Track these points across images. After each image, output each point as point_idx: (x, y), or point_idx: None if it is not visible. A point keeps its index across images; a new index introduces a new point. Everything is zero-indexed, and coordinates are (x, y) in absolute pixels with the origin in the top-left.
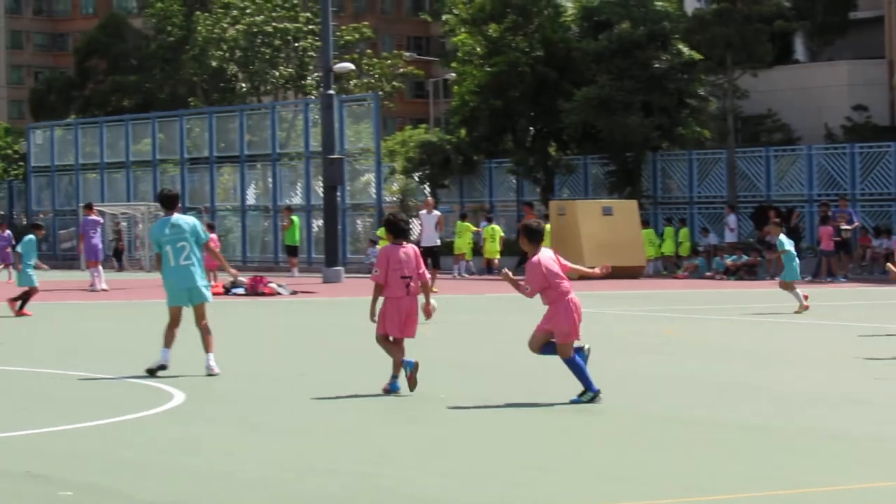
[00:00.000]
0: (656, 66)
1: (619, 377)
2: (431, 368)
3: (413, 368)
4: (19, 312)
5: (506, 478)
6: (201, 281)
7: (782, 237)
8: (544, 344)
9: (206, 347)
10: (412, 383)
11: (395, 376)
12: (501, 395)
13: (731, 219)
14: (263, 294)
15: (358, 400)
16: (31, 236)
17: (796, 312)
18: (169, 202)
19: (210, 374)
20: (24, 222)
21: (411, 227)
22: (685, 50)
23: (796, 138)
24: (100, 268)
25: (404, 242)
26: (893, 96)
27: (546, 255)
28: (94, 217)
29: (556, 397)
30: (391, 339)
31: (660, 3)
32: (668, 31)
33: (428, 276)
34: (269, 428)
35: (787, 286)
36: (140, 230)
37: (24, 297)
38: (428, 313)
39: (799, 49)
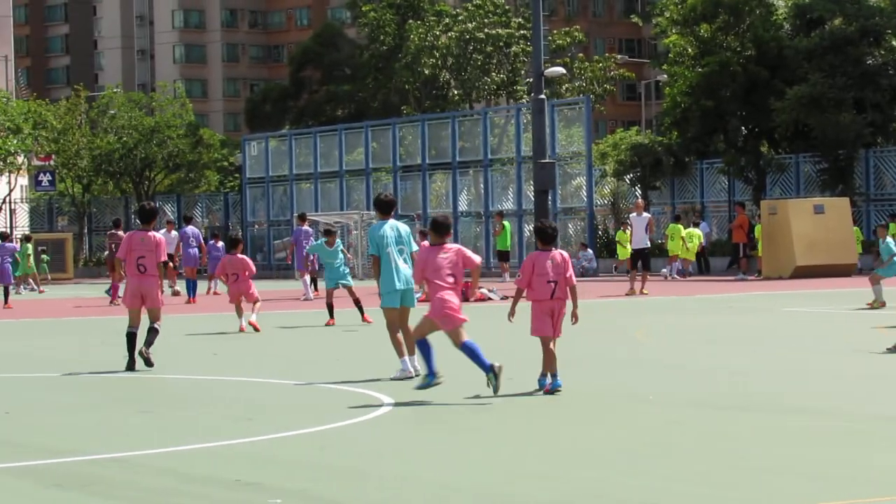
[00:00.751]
0: (869, 62)
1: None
2: (639, 369)
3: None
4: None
5: (720, 478)
6: (414, 285)
7: (889, 241)
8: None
9: (410, 350)
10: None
11: (544, 374)
12: (709, 397)
13: None
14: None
15: (552, 403)
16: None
17: (869, 305)
18: (387, 207)
19: (409, 377)
20: (239, 234)
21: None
22: None
23: None
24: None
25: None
26: None
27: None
28: (306, 227)
29: (771, 398)
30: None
31: None
32: (880, 26)
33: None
34: (476, 432)
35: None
36: (353, 238)
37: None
38: (575, 317)
39: None
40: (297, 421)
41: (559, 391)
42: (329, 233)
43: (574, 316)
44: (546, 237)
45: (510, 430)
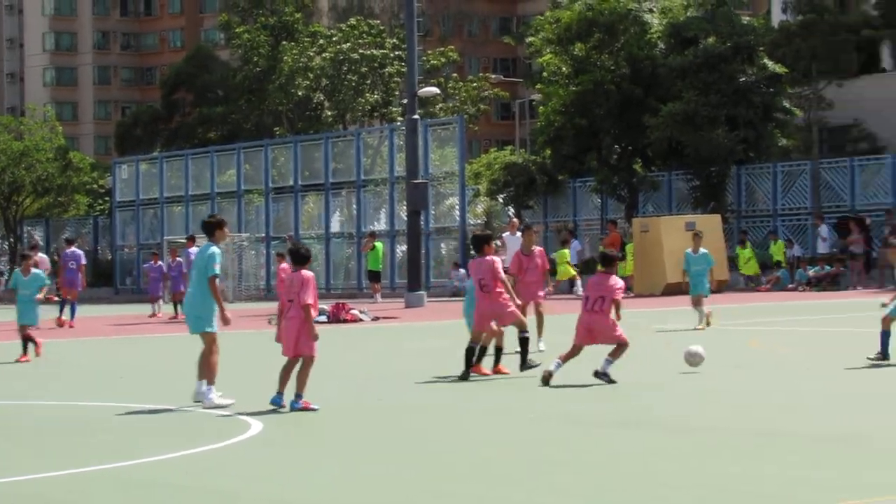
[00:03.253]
0: (742, 79)
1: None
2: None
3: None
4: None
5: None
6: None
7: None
8: None
9: (200, 374)
10: None
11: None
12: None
13: (824, 229)
14: (346, 321)
15: (424, 421)
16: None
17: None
18: (208, 229)
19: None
20: (109, 257)
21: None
22: (770, 64)
23: (882, 147)
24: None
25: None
26: None
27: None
28: (193, 249)
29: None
30: None
31: (746, 18)
32: (753, 44)
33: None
34: (351, 453)
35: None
36: (224, 261)
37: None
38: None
39: (886, 58)
40: (167, 445)
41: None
42: (25, 257)
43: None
44: (300, 259)
45: (381, 448)
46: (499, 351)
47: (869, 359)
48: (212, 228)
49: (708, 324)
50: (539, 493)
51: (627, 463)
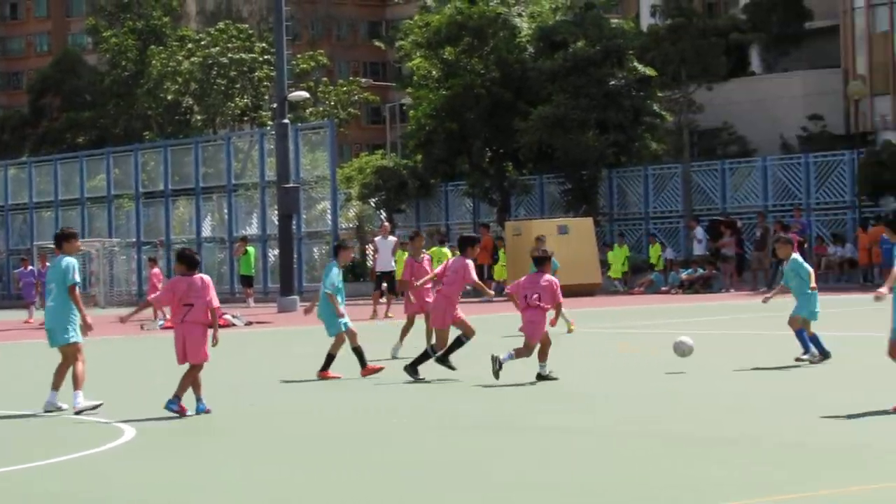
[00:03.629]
0: (612, 83)
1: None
2: (390, 390)
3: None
4: None
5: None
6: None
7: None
8: None
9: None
10: None
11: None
12: (457, 417)
13: (699, 231)
14: (219, 326)
15: (300, 427)
16: None
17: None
18: (56, 241)
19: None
20: None
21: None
22: (640, 67)
23: (752, 150)
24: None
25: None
26: (848, 105)
27: None
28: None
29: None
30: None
31: (615, 21)
32: (623, 48)
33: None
34: (221, 459)
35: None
36: (95, 266)
37: None
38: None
39: (755, 61)
40: (38, 452)
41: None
42: None
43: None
44: (191, 263)
45: (253, 453)
46: (426, 356)
47: (799, 360)
48: (60, 241)
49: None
50: (385, 492)
51: (482, 464)
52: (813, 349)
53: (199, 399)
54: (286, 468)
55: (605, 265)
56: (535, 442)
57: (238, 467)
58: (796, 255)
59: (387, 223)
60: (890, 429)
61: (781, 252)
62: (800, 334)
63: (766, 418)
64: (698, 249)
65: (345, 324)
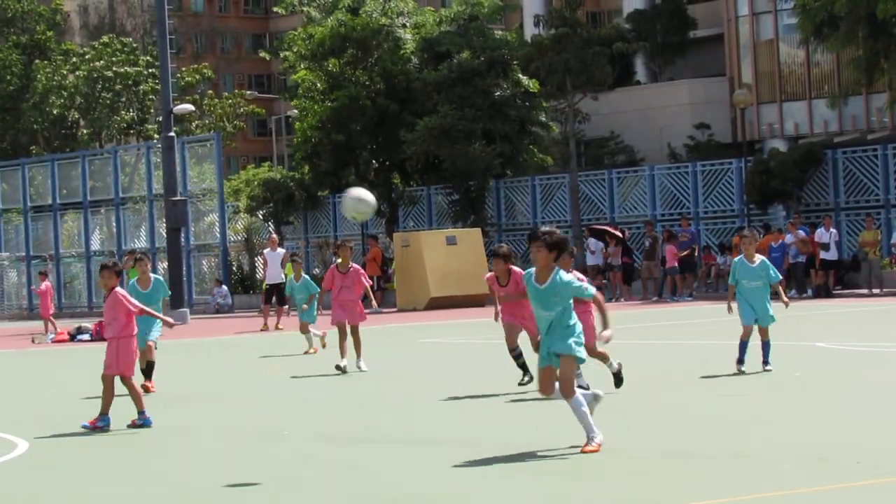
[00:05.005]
0: (497, 94)
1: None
2: (279, 405)
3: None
4: None
5: None
6: None
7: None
8: None
9: None
10: None
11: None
12: (337, 430)
13: (592, 242)
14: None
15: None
16: None
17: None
18: None
19: None
20: None
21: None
22: (524, 79)
23: (640, 159)
24: None
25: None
26: (735, 113)
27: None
28: None
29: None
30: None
31: (499, 32)
32: (507, 58)
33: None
34: (121, 472)
35: None
36: None
37: None
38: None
39: (640, 70)
40: None
41: None
42: None
43: None
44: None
45: (150, 468)
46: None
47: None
48: None
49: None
50: None
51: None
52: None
53: (142, 411)
54: (181, 482)
55: None
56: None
57: (122, 483)
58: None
59: (274, 235)
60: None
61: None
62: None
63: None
64: (592, 260)
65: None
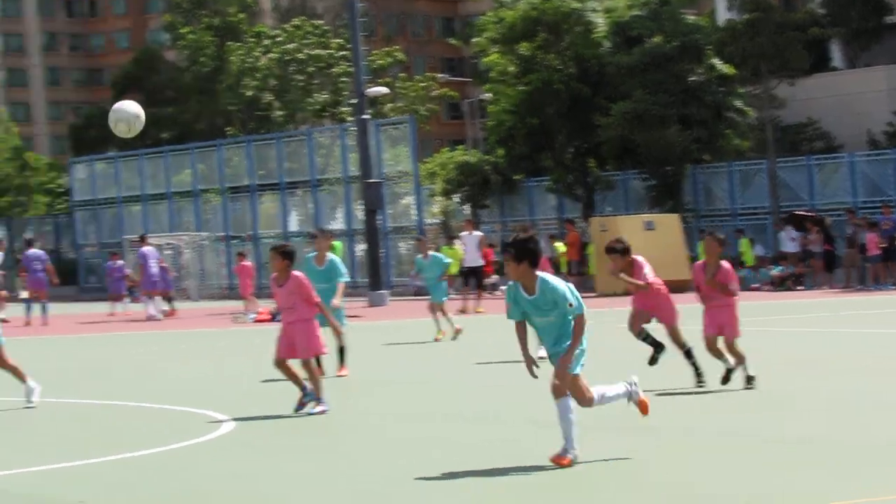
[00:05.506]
0: (691, 79)
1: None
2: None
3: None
4: None
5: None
6: None
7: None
8: None
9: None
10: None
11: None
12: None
13: (791, 230)
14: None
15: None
16: None
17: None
18: None
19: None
20: (71, 256)
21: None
22: (718, 64)
23: (838, 146)
24: (157, 298)
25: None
26: None
27: None
28: (147, 248)
29: None
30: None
31: (691, 17)
32: (700, 43)
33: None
34: (317, 451)
35: None
36: (185, 260)
37: None
38: None
39: (836, 56)
40: (139, 442)
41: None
42: None
43: None
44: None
45: (370, 448)
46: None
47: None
48: None
49: (456, 333)
50: None
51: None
52: None
53: (315, 396)
54: (387, 468)
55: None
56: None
57: (340, 461)
58: None
59: (470, 219)
60: None
61: None
62: None
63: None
64: (791, 247)
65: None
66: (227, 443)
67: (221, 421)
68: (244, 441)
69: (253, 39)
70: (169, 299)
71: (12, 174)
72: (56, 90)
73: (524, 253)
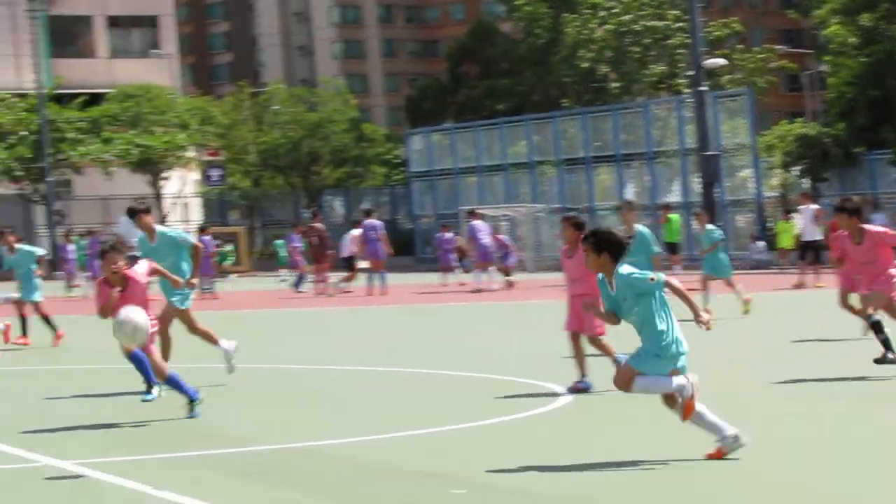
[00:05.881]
0: None
1: None
2: None
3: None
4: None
5: None
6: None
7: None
8: None
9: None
10: None
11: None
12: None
13: None
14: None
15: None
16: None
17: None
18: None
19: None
20: (408, 226)
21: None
22: None
23: None
24: (491, 269)
25: None
26: None
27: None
28: (478, 222)
29: None
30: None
31: None
32: None
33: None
34: (645, 424)
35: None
36: (522, 231)
37: None
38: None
39: None
40: (474, 412)
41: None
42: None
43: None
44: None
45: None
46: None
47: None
48: (133, 214)
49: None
50: None
51: None
52: None
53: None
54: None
55: None
56: None
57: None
58: None
59: (806, 192)
60: None
61: None
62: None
63: None
64: None
65: None
66: (565, 413)
67: (559, 394)
68: (582, 412)
69: (589, 11)
70: (506, 272)
71: (350, 145)
72: (392, 62)
73: (604, 244)
